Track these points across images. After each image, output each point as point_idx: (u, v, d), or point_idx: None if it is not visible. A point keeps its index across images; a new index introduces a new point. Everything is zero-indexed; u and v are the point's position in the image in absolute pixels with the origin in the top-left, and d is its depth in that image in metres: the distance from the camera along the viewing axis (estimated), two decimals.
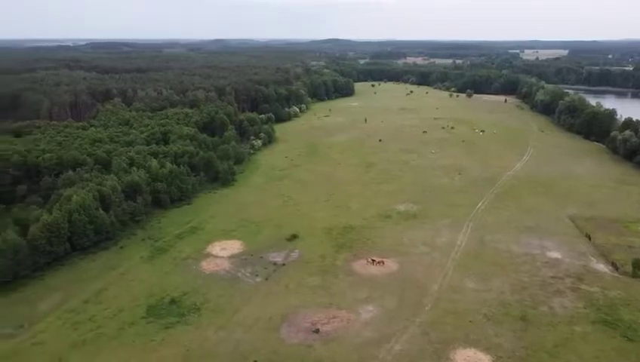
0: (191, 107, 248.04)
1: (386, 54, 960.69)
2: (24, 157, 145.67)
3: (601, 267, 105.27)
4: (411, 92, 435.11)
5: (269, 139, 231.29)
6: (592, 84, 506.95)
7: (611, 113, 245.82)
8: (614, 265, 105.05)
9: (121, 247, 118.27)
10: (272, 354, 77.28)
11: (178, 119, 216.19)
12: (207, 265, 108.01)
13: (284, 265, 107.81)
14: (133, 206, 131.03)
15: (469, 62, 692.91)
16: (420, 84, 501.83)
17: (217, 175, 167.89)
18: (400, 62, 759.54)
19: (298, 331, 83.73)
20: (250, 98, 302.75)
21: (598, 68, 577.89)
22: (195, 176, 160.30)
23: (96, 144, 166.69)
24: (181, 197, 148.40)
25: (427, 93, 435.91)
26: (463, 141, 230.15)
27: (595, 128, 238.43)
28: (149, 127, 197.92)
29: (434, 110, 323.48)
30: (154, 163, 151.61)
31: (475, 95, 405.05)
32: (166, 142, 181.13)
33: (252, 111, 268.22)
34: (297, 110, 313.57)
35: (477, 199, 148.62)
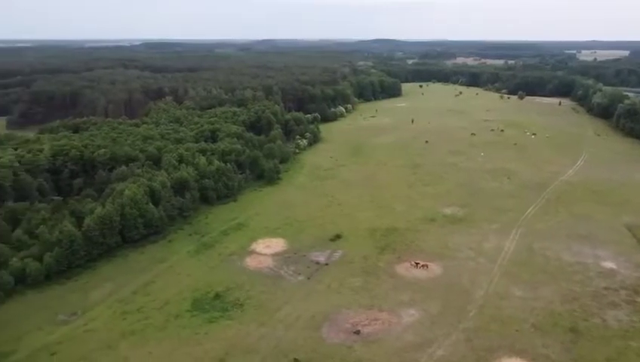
0: (239, 106, 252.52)
1: (435, 54, 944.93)
2: (81, 153, 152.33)
3: None
4: (460, 93, 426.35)
5: (315, 139, 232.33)
6: None
7: None
8: None
9: (169, 241, 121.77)
10: (312, 353, 77.52)
11: (226, 118, 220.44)
12: (251, 262, 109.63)
13: (326, 264, 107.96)
14: (182, 201, 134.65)
15: (521, 62, 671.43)
16: (469, 85, 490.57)
17: (263, 173, 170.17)
18: (449, 62, 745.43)
19: (339, 331, 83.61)
20: (297, 98, 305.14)
21: None
22: (241, 173, 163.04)
23: (148, 141, 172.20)
24: (227, 194, 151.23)
25: (477, 94, 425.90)
26: (515, 144, 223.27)
27: None
28: (198, 125, 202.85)
29: (484, 112, 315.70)
30: (202, 160, 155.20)
31: (527, 97, 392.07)
32: (214, 140, 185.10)
33: (298, 111, 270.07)
34: (343, 110, 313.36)
35: (527, 204, 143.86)
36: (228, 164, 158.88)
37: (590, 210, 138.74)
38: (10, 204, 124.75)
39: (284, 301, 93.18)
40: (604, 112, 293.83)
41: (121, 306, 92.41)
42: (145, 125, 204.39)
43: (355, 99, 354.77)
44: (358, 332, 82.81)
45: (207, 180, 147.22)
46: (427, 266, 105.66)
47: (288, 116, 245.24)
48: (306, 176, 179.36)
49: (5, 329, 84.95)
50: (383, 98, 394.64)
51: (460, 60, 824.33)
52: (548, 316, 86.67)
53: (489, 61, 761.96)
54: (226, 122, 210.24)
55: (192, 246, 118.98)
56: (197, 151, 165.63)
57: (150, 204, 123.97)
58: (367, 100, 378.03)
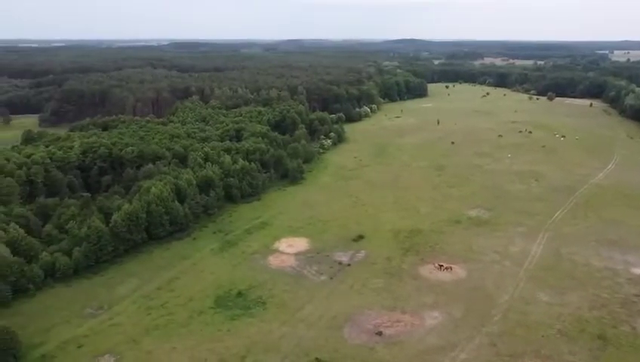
0: (264, 105, 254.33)
1: (462, 55, 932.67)
2: (109, 150, 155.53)
3: None
4: (487, 94, 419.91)
5: (339, 139, 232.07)
6: None
7: None
8: None
9: (194, 239, 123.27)
10: (333, 353, 77.40)
11: (251, 117, 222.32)
12: (273, 261, 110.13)
13: (349, 265, 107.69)
14: (206, 199, 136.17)
15: (551, 63, 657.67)
16: (497, 85, 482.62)
17: (287, 173, 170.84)
18: (477, 62, 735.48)
19: (361, 332, 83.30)
20: (322, 97, 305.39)
21: None
22: (265, 172, 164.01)
23: (175, 139, 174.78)
24: (251, 193, 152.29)
25: (504, 95, 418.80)
26: (543, 146, 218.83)
27: None
28: (224, 124, 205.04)
29: (511, 113, 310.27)
30: (227, 159, 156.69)
31: (557, 98, 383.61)
32: (239, 139, 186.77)
33: (323, 111, 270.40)
34: (368, 110, 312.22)
35: (555, 208, 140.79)
36: (252, 163, 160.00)
37: (621, 215, 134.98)
38: (41, 199, 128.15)
39: (307, 300, 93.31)
40: (638, 114, 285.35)
41: (145, 301, 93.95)
42: (172, 124, 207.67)
43: (380, 100, 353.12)
44: (380, 334, 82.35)
45: (231, 179, 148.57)
46: (451, 269, 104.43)
47: (313, 116, 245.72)
48: (330, 176, 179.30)
49: (35, 321, 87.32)
50: (409, 98, 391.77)
51: (487, 60, 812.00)
52: (575, 322, 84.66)
53: (517, 61, 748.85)
54: (250, 121, 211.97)
55: (215, 244, 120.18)
56: (222, 150, 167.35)
57: (176, 201, 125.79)
58: (393, 101, 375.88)
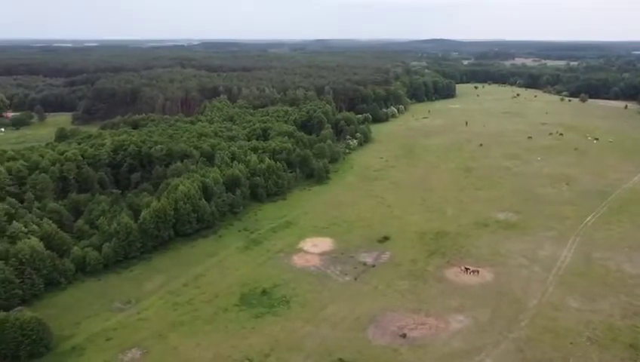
0: (290, 105, 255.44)
1: (492, 55, 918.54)
2: (139, 148, 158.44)
3: None
4: (518, 95, 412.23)
5: (365, 139, 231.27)
6: None
7: None
8: None
9: (220, 236, 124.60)
10: (357, 354, 77.17)
11: (278, 116, 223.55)
12: (298, 260, 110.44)
13: (373, 266, 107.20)
14: (232, 198, 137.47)
15: (584, 64, 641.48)
16: (527, 86, 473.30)
17: (312, 172, 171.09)
18: (507, 63, 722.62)
19: (385, 334, 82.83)
20: (348, 98, 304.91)
21: None
22: (291, 172, 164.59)
23: (202, 138, 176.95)
24: (277, 192, 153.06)
25: (535, 96, 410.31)
26: (575, 149, 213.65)
27: None
28: (251, 124, 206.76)
29: (542, 115, 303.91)
30: (253, 158, 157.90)
31: (590, 100, 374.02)
32: (265, 139, 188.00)
33: (349, 111, 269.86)
34: (395, 111, 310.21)
35: (586, 212, 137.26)
36: (278, 162, 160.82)
37: None
38: (73, 195, 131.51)
39: (330, 300, 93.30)
40: None
41: (172, 297, 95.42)
42: (200, 123, 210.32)
43: (408, 100, 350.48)
44: (404, 336, 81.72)
45: (257, 178, 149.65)
46: (478, 272, 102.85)
47: (339, 116, 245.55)
48: (356, 176, 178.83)
49: (66, 314, 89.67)
50: (437, 99, 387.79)
51: (518, 61, 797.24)
52: (606, 330, 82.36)
53: (549, 62, 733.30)
54: (277, 121, 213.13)
55: (241, 242, 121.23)
56: (249, 149, 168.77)
57: (203, 199, 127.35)
58: (420, 101, 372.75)
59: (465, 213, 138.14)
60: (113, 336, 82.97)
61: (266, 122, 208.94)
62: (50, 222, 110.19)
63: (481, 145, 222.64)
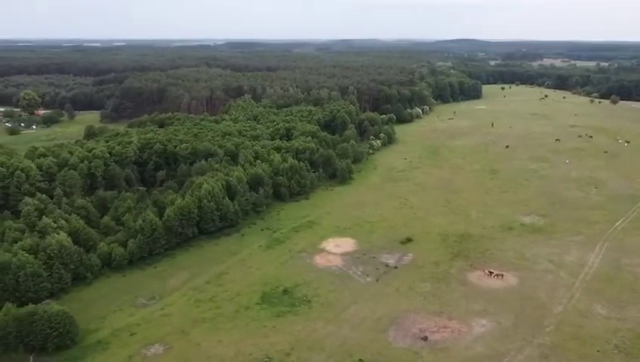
0: (314, 105, 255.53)
1: (520, 55, 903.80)
2: (164, 146, 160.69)
3: None
4: (546, 96, 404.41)
5: (389, 140, 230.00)
6: None
7: None
8: None
9: (242, 235, 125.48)
10: (377, 355, 76.76)
11: (301, 116, 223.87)
12: (320, 260, 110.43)
13: (396, 267, 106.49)
14: (255, 197, 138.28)
15: (616, 64, 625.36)
16: (556, 88, 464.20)
17: (335, 172, 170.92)
18: (535, 63, 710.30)
19: (406, 336, 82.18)
20: (373, 98, 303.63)
21: None
22: (314, 172, 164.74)
23: (227, 137, 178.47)
24: (300, 192, 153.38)
25: (564, 98, 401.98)
26: (605, 152, 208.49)
27: None
28: (274, 123, 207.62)
29: (571, 117, 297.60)
30: (277, 157, 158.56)
31: (621, 102, 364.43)
32: (289, 138, 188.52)
33: (373, 111, 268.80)
34: (420, 111, 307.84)
35: (615, 217, 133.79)
36: (301, 162, 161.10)
37: None
38: (100, 192, 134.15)
39: (352, 301, 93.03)
40: None
41: (195, 294, 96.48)
42: (224, 122, 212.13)
43: (433, 101, 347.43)
44: (425, 339, 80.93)
45: (280, 177, 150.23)
46: (502, 276, 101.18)
47: (363, 116, 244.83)
48: (379, 177, 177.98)
49: (92, 308, 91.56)
50: (462, 100, 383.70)
51: (546, 62, 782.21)
52: (635, 338, 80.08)
53: (579, 63, 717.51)
54: (301, 121, 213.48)
55: (263, 240, 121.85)
56: (272, 148, 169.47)
57: (226, 198, 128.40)
58: (446, 102, 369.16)
59: (490, 216, 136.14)
60: (137, 331, 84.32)
61: (289, 122, 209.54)
62: (78, 218, 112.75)
63: (507, 146, 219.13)
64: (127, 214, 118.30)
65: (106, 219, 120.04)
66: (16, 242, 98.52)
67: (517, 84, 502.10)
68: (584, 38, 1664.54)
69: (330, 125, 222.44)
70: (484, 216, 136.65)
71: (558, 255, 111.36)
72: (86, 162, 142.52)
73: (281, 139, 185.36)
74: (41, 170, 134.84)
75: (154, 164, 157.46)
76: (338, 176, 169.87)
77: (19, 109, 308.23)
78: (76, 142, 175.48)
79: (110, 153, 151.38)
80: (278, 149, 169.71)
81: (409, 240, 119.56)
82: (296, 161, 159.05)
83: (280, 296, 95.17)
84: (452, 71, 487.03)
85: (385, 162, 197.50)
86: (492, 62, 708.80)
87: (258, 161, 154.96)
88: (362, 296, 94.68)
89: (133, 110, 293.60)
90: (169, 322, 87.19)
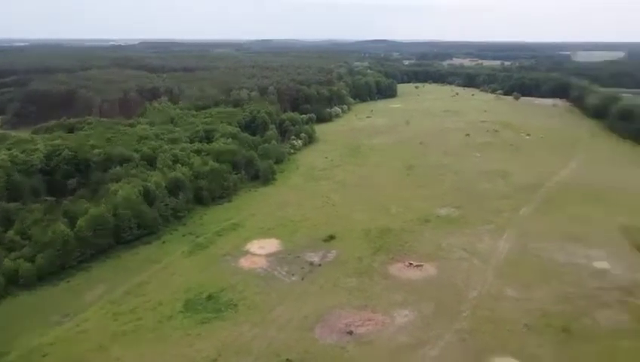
0: (234, 106, 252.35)
1: (432, 55, 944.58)
2: (75, 153, 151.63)
3: None
4: (457, 94, 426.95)
5: (310, 140, 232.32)
6: None
7: None
8: None
9: (163, 242, 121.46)
10: (304, 354, 77.49)
11: (221, 118, 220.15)
12: (245, 263, 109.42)
13: (320, 265, 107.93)
14: (176, 202, 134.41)
15: (517, 64, 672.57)
16: (465, 85, 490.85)
17: (258, 173, 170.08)
18: (445, 63, 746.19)
19: (332, 332, 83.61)
20: (293, 98, 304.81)
21: None
22: (236, 174, 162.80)
23: (143, 141, 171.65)
24: (222, 195, 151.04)
25: (473, 95, 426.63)
26: (511, 145, 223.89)
27: None
28: (193, 125, 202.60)
29: (480, 113, 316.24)
30: (197, 160, 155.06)
31: (523, 98, 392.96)
32: (209, 140, 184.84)
33: (294, 111, 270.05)
34: (339, 111, 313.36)
35: (521, 205, 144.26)
36: (223, 164, 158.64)
37: (584, 211, 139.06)
38: (3, 203, 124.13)
39: (278, 302, 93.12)
40: (599, 114, 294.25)
41: (113, 307, 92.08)
42: (140, 125, 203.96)
43: (351, 100, 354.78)
44: (351, 333, 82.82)
45: (201, 181, 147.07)
46: (421, 267, 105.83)
47: (284, 116, 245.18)
48: (301, 176, 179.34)
49: None
50: (379, 99, 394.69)
51: (456, 61, 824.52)
52: (541, 316, 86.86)
53: (485, 62, 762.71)
54: (221, 122, 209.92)
55: (186, 246, 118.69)
56: (192, 151, 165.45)
57: (144, 204, 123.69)
58: (363, 101, 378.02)
59: (408, 210, 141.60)
60: (50, 352, 79.10)
61: (209, 124, 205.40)
62: None
63: (421, 143, 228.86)
64: (34, 227, 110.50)
65: (11, 233, 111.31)
66: None
67: (430, 83, 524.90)
68: (490, 38, 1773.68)
69: (251, 126, 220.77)
70: (403, 210, 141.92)
71: (471, 243, 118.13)
72: None
73: (200, 142, 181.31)
74: None
75: (63, 172, 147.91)
76: (261, 178, 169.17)
77: None
78: None
79: (13, 162, 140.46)
80: (198, 152, 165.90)
81: (332, 237, 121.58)
82: (217, 164, 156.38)
83: (204, 303, 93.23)
84: (369, 71, 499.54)
85: (306, 161, 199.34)
86: (406, 62, 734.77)
87: (178, 165, 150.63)
88: (288, 296, 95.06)
89: (38, 115, 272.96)
90: (86, 338, 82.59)
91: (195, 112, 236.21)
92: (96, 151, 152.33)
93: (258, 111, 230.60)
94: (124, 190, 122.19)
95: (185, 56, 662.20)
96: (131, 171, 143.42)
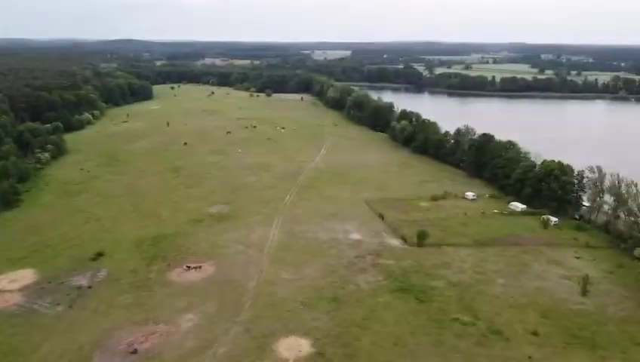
0: None
1: (183, 55, 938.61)
2: None
3: (394, 242, 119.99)
4: (212, 93, 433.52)
5: (59, 151, 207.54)
6: (373, 81, 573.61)
7: (390, 106, 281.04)
8: (404, 239, 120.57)
9: None
10: None
11: None
12: None
13: (90, 287, 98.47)
14: None
15: (266, 62, 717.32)
16: (220, 84, 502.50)
17: None
18: (198, 63, 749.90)
19: (113, 356, 77.63)
20: (31, 106, 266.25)
21: (376, 67, 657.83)
22: None
23: None
24: None
25: (228, 93, 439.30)
26: (268, 139, 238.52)
27: (379, 120, 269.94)
28: None
29: (236, 110, 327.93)
30: None
31: (274, 94, 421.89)
32: None
33: (34, 121, 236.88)
34: (90, 117, 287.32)
35: (284, 193, 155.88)
36: None
37: (336, 191, 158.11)
38: None
39: (43, 338, 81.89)
40: (338, 105, 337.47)
41: None
42: None
43: (103, 105, 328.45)
44: (135, 352, 78.27)
45: None
46: (200, 267, 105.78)
47: (22, 127, 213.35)
48: (54, 193, 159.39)
49: None
50: (134, 102, 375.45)
51: (208, 61, 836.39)
52: (313, 291, 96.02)
53: (236, 61, 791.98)
54: None
55: None
56: None
57: None
58: (117, 105, 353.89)
59: (180, 213, 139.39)
60: None
61: None
62: None
63: (185, 144, 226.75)
64: None
65: None
66: None
67: (185, 83, 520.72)
68: (238, 39, 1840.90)
69: None
70: (174, 214, 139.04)
71: (245, 236, 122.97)
72: None
73: None
74: None
75: None
76: (1, 200, 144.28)
77: None
78: None
79: None
80: None
81: (100, 254, 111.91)
82: None
83: None
84: (118, 72, 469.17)
85: (59, 176, 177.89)
86: (158, 63, 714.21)
87: None
88: (55, 329, 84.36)
89: None
90: None
91: None
92: None
93: None
94: None
95: None
96: None
